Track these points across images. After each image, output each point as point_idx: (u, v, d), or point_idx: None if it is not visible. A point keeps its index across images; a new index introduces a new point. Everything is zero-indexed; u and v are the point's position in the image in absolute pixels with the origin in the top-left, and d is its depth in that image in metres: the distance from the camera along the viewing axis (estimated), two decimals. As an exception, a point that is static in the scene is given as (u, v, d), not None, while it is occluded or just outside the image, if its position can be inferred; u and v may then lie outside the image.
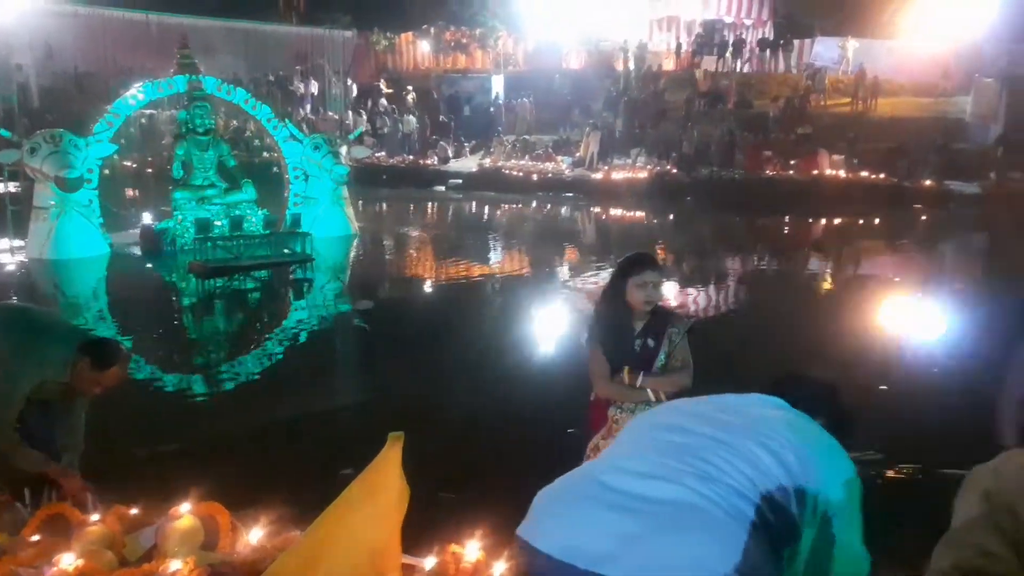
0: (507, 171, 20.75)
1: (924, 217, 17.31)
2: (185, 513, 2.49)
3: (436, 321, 8.59)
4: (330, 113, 24.86)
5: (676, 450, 1.59)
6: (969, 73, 22.19)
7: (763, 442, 1.56)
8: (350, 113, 24.90)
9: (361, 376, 6.95)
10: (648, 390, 3.00)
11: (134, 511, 2.68)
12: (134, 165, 20.40)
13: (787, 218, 17.08)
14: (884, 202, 17.39)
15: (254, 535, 2.52)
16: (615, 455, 1.72)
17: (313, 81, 26.24)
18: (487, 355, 6.92)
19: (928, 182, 18.28)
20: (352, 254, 12.95)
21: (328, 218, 13.25)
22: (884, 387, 6.23)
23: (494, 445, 4.82)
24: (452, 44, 27.97)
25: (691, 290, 10.35)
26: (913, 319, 9.41)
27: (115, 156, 14.18)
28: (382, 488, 2.37)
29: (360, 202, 15.90)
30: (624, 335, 3.04)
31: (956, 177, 18.40)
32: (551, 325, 8.46)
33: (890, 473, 4.65)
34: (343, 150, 14.93)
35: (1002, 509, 1.36)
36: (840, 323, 8.55)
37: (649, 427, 1.76)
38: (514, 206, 18.78)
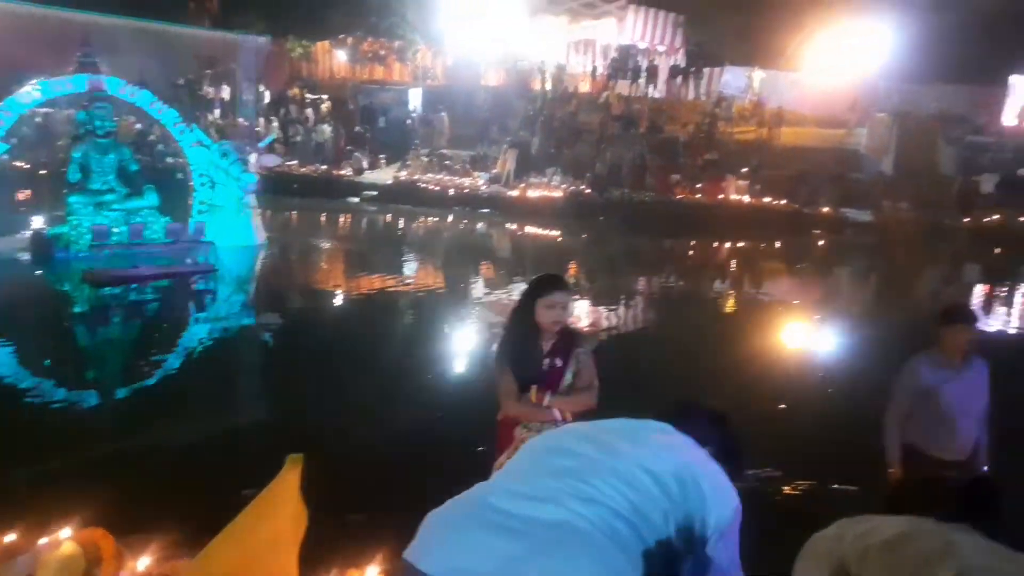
0: (423, 185, 20.67)
1: (822, 242, 18.17)
2: (65, 539, 2.35)
3: (346, 336, 8.43)
4: (240, 120, 24.18)
5: (562, 472, 1.61)
6: (865, 108, 23.57)
7: (647, 467, 1.59)
8: (261, 120, 24.30)
9: (264, 393, 6.72)
10: (555, 410, 3.03)
11: (9, 538, 2.50)
12: (27, 166, 19.31)
13: (694, 240, 17.62)
14: (785, 227, 18.18)
15: (141, 562, 2.40)
16: (506, 477, 1.73)
17: (224, 86, 25.49)
18: (397, 372, 6.83)
19: (826, 209, 19.22)
20: (259, 265, 12.58)
21: (234, 227, 12.85)
22: (783, 406, 6.46)
23: (403, 464, 4.74)
24: (370, 55, 27.71)
25: (602, 309, 10.50)
26: (811, 340, 9.83)
27: (5, 156, 13.36)
28: (279, 511, 2.31)
29: (269, 212, 15.49)
30: (532, 355, 3.07)
31: (851, 205, 19.42)
32: (463, 342, 8.44)
33: (787, 489, 4.81)
34: (252, 158, 14.53)
35: None
36: (743, 343, 8.85)
37: (541, 450, 1.77)
38: (429, 220, 18.71)
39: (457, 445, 4.62)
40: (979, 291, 15.09)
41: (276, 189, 17.80)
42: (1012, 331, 11.41)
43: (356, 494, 4.17)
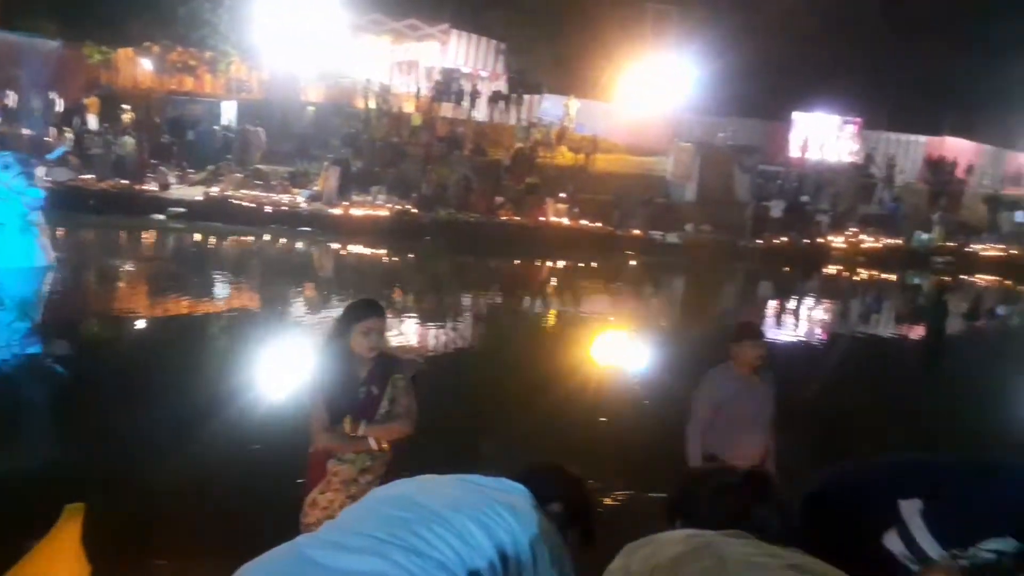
0: (237, 202, 19.61)
1: (633, 263, 19.21)
2: None
3: (147, 366, 7.73)
4: (24, 130, 21.82)
5: (391, 523, 1.57)
6: (670, 138, 25.33)
7: (482, 520, 1.58)
8: (52, 130, 22.06)
9: (52, 430, 5.98)
10: (370, 439, 2.96)
11: None
12: None
13: (518, 260, 18.02)
14: (601, 248, 19.06)
15: None
16: (331, 527, 1.68)
17: (8, 92, 22.93)
18: (205, 403, 6.32)
19: (637, 231, 20.37)
20: (47, 288, 11.32)
21: (17, 247, 11.48)
22: (604, 419, 6.67)
23: (214, 502, 4.38)
24: (179, 65, 26.05)
25: (429, 329, 10.41)
26: (627, 354, 10.29)
27: None
28: (54, 568, 2.06)
29: (60, 230, 14.05)
30: (347, 383, 2.98)
31: (660, 227, 20.72)
32: (279, 368, 7.99)
33: (607, 500, 4.93)
34: (40, 171, 13.14)
35: None
36: (564, 359, 9.09)
37: (379, 499, 1.73)
38: (244, 239, 17.78)
39: (274, 478, 4.32)
40: (772, 305, 16.58)
41: (70, 205, 16.19)
42: (799, 341, 12.59)
43: (163, 539, 3.80)
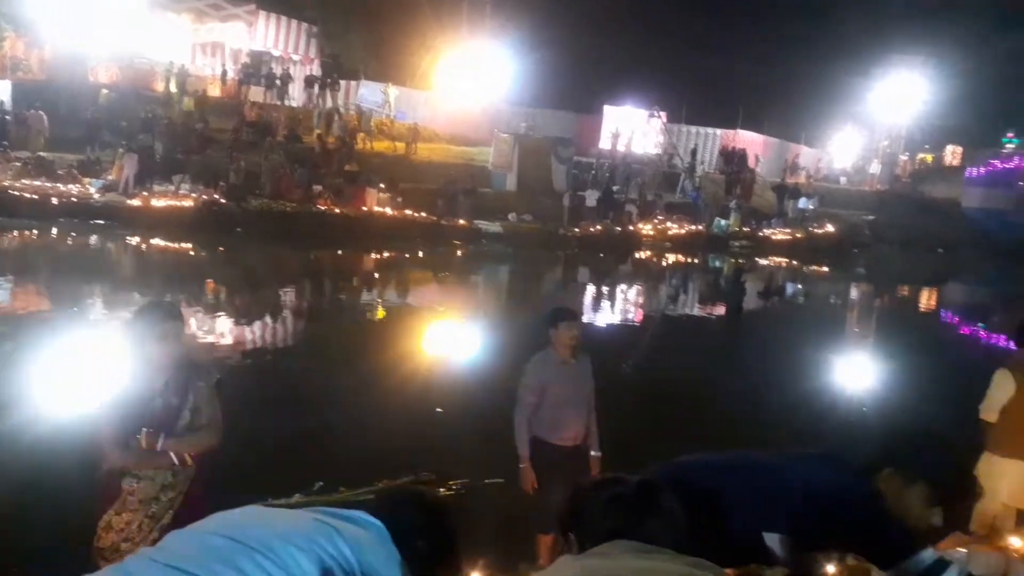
0: (17, 193, 17.45)
1: (460, 252, 19.22)
2: None
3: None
4: None
5: (208, 553, 1.43)
6: (490, 128, 25.58)
7: (315, 550, 1.43)
8: None
9: None
10: (171, 453, 2.69)
11: None
12: None
13: (340, 252, 17.43)
14: (427, 238, 18.87)
15: None
16: (140, 557, 1.51)
17: None
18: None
19: (462, 221, 20.39)
20: None
21: None
22: (440, 410, 6.55)
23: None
24: (-62, 39, 22.83)
25: (239, 328, 9.77)
26: (456, 344, 10.22)
27: None
28: None
29: None
30: (143, 393, 2.70)
31: (483, 217, 20.87)
32: (64, 379, 7.06)
33: (443, 490, 4.83)
34: None
35: None
36: (392, 352, 8.85)
37: (200, 530, 1.55)
38: (28, 234, 15.87)
39: (62, 500, 3.79)
40: (590, 290, 17.23)
41: None
42: (614, 322, 13.15)
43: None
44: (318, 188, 19.77)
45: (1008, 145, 34.40)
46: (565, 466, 3.90)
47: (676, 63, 30.62)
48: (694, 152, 29.10)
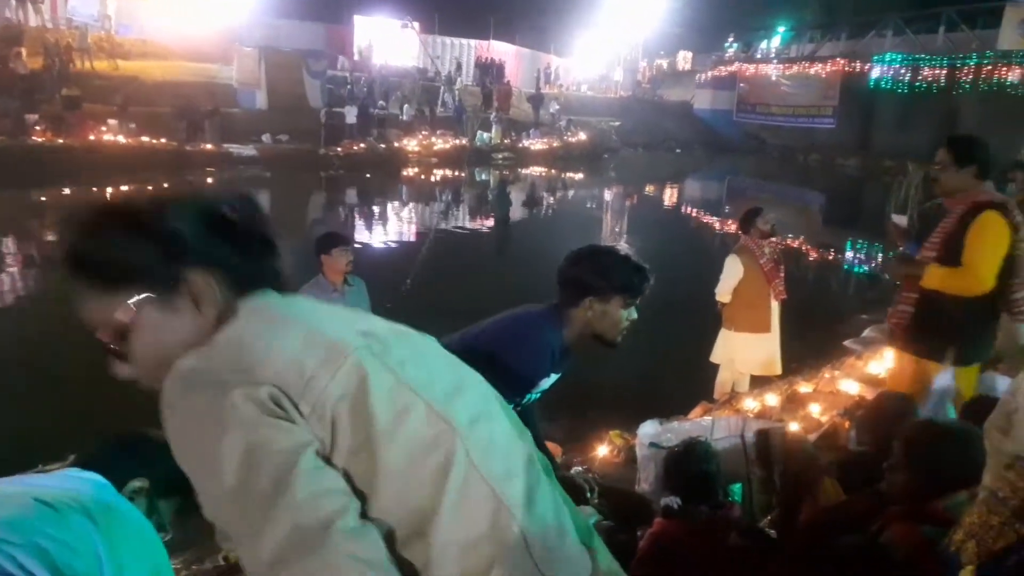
0: None
1: (211, 180, 17.74)
2: None
3: None
4: None
5: None
6: (230, 42, 23.45)
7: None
8: None
9: None
10: None
11: None
12: None
13: (69, 190, 15.38)
14: (170, 167, 17.18)
15: None
16: None
17: None
18: None
19: (209, 146, 18.81)
20: None
21: None
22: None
23: None
24: None
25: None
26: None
27: None
28: None
29: None
30: None
31: (234, 140, 19.39)
32: None
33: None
34: None
35: None
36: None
37: None
38: None
39: None
40: (359, 212, 16.84)
41: None
42: (388, 244, 13.01)
43: None
44: (32, 117, 17.20)
45: (729, 51, 37.79)
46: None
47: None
48: (459, 65, 28.87)
